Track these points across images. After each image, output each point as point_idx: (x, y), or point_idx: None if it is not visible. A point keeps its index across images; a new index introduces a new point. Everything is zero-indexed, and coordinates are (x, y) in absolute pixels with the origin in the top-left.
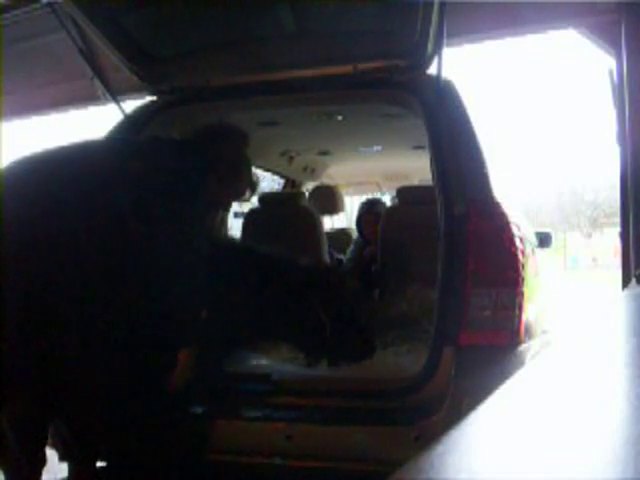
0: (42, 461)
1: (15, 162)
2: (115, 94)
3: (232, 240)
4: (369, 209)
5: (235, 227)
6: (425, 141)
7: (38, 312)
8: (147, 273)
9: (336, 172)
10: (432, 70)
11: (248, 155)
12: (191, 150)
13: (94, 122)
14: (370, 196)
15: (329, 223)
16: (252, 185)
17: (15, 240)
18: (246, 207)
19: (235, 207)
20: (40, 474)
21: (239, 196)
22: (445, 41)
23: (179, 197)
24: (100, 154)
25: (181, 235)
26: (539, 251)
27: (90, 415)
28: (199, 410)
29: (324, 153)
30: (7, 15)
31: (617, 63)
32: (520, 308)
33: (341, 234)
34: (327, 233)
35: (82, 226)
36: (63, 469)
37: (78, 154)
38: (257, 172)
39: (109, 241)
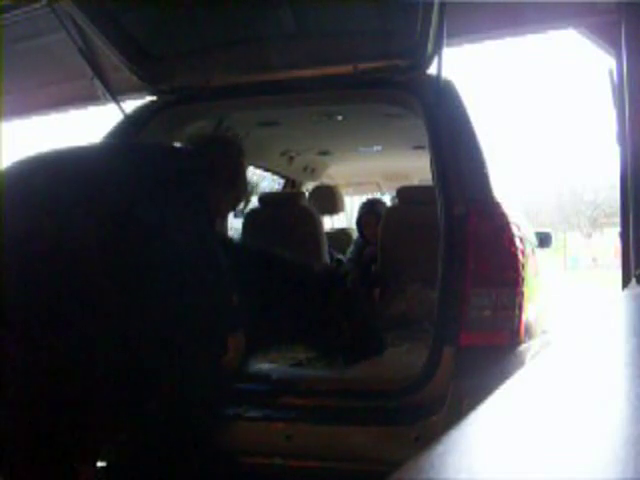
0: None
1: (17, 162)
2: (115, 94)
3: (242, 242)
4: (369, 209)
5: (235, 227)
6: (425, 141)
7: (43, 313)
8: (158, 270)
9: (336, 172)
10: (432, 70)
11: (244, 164)
12: (191, 155)
13: (94, 122)
14: (370, 196)
15: (329, 223)
16: (247, 196)
17: (17, 242)
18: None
19: None
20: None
21: (235, 206)
22: (445, 41)
23: (186, 197)
24: (103, 157)
25: (190, 229)
26: (539, 251)
27: (92, 415)
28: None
29: (324, 153)
30: (7, 15)
31: (617, 63)
32: (520, 308)
33: (341, 234)
34: (327, 233)
35: (87, 227)
36: None
37: (81, 156)
38: (257, 172)
39: (117, 242)
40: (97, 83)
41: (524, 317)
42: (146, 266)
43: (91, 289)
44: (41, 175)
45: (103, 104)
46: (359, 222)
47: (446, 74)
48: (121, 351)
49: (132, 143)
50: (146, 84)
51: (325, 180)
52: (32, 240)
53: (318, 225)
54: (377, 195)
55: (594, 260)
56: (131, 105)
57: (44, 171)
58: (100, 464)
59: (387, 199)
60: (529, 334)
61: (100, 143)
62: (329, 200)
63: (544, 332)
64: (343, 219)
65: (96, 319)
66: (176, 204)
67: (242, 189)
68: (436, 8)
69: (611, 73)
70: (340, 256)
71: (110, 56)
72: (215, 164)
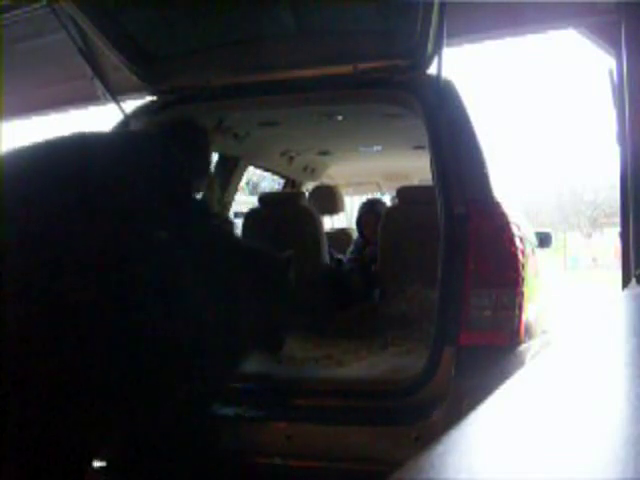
0: None
1: (7, 154)
2: (115, 94)
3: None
4: (369, 209)
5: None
6: (425, 141)
7: (43, 312)
8: (157, 265)
9: (336, 172)
10: (432, 70)
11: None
12: (173, 143)
13: (94, 122)
14: (370, 196)
15: (329, 223)
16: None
17: (11, 238)
18: (246, 207)
19: (235, 207)
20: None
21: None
22: (445, 41)
23: (178, 187)
24: (90, 148)
25: (178, 218)
26: (539, 251)
27: (93, 414)
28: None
29: (324, 153)
30: (7, 15)
31: (617, 63)
32: (520, 308)
33: (341, 234)
34: (327, 233)
35: (80, 219)
36: None
37: (68, 147)
38: (257, 172)
39: (111, 235)
40: (97, 83)
41: (524, 317)
42: (139, 260)
43: (91, 288)
44: (32, 166)
45: (103, 104)
46: (359, 222)
47: (446, 74)
48: (123, 349)
49: (121, 133)
50: (146, 84)
51: (325, 180)
52: (24, 234)
53: (318, 225)
54: (377, 195)
55: (594, 260)
56: (131, 105)
57: (34, 162)
58: (100, 464)
59: (387, 199)
60: (529, 334)
61: (81, 134)
62: (329, 200)
63: (544, 332)
64: (343, 219)
65: (97, 318)
66: (163, 194)
67: (207, 179)
68: (436, 8)
69: (611, 73)
70: (340, 256)
71: (110, 56)
72: (194, 148)
